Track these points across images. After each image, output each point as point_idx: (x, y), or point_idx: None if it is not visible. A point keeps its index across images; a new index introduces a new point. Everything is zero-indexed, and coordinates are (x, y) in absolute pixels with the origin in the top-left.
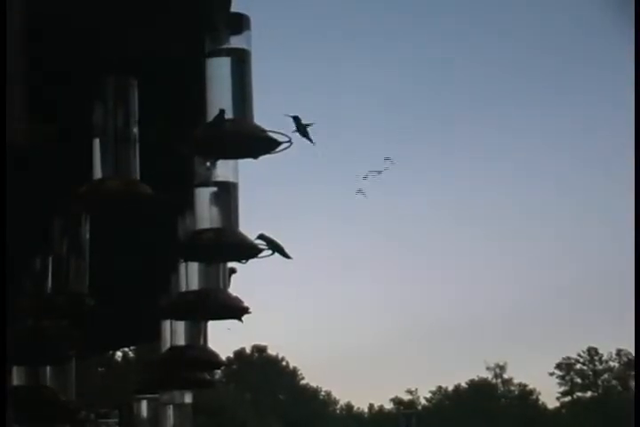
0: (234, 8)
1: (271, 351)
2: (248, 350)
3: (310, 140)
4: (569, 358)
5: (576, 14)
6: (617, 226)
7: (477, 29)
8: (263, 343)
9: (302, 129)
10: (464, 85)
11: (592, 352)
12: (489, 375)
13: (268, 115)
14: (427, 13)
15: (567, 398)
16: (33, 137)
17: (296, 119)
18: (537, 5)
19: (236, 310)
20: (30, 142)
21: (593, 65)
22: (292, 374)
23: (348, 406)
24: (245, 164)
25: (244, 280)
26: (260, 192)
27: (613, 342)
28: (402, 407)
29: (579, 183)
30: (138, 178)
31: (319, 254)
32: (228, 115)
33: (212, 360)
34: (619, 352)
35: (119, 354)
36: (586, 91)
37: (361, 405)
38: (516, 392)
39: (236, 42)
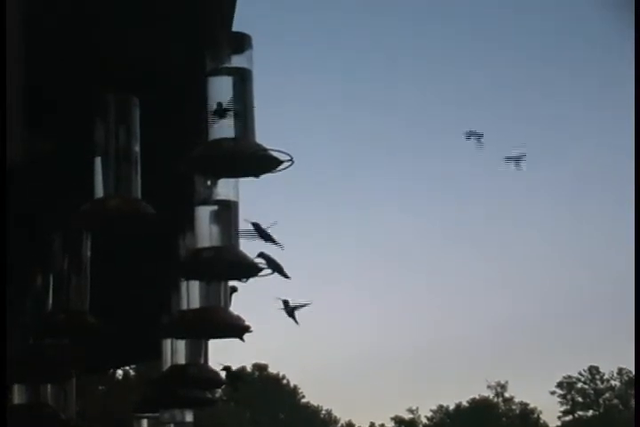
0: (235, 27)
1: (272, 370)
2: (249, 369)
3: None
4: (570, 376)
5: (576, 17)
6: (619, 243)
7: (481, 43)
8: (264, 362)
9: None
10: (459, 98)
11: (593, 371)
12: (490, 394)
13: (269, 133)
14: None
15: (568, 418)
16: (33, 155)
17: (255, 225)
18: (536, 12)
19: (237, 329)
20: (30, 160)
21: (594, 71)
22: (292, 393)
23: (349, 425)
24: (246, 182)
25: (244, 299)
26: (261, 211)
27: (614, 360)
28: (403, 426)
29: (579, 199)
30: (139, 196)
31: (320, 271)
32: (230, 134)
33: (212, 379)
34: (620, 371)
35: (120, 372)
36: (586, 97)
37: (362, 423)
38: (517, 411)
39: (237, 61)
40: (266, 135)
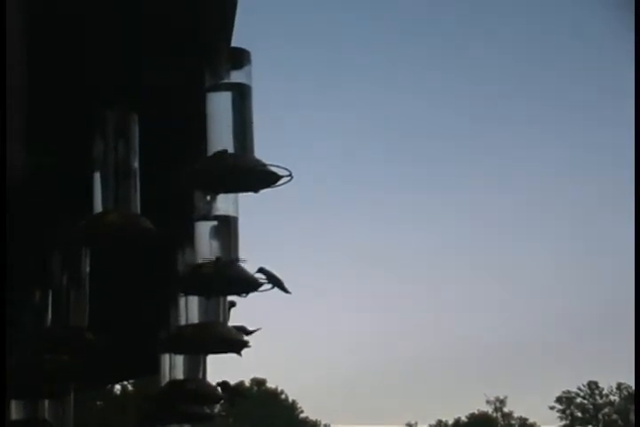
0: (234, 42)
1: (270, 384)
2: (247, 383)
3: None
4: (569, 391)
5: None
6: (620, 258)
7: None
8: (262, 376)
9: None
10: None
11: (592, 386)
12: (489, 409)
13: (268, 149)
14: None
15: None
16: (32, 169)
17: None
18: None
19: (235, 344)
20: (29, 175)
21: (594, 81)
22: (290, 408)
23: None
24: (246, 197)
25: (243, 314)
26: (261, 226)
27: (614, 375)
28: None
29: (580, 210)
30: (138, 212)
31: (319, 286)
32: (229, 149)
33: (211, 394)
34: (619, 386)
35: (118, 387)
36: (586, 107)
37: None
38: (517, 426)
39: (236, 77)
40: (265, 150)
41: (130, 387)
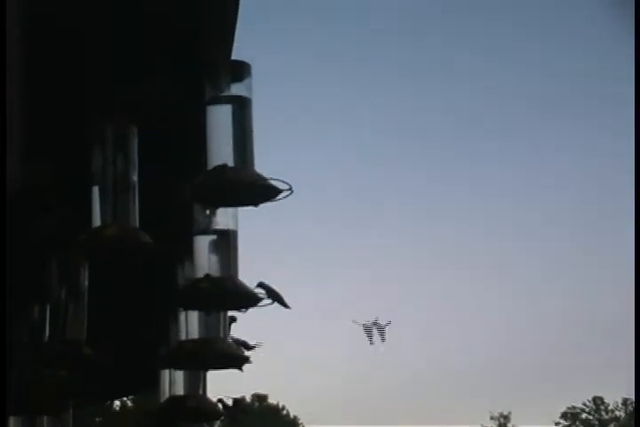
0: (235, 55)
1: (272, 400)
2: (248, 399)
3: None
4: (574, 407)
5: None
6: (624, 272)
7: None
8: (263, 392)
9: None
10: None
11: (598, 402)
12: (493, 425)
13: (268, 162)
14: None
15: None
16: (30, 183)
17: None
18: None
19: (236, 360)
20: (27, 188)
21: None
22: (292, 423)
23: None
24: (246, 211)
25: (244, 329)
26: (260, 240)
27: (619, 391)
28: None
29: (585, 231)
30: (137, 226)
31: (319, 301)
32: (229, 162)
33: (212, 411)
34: (624, 402)
35: (117, 404)
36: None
37: None
38: None
39: (236, 89)
40: (265, 164)
41: (129, 403)
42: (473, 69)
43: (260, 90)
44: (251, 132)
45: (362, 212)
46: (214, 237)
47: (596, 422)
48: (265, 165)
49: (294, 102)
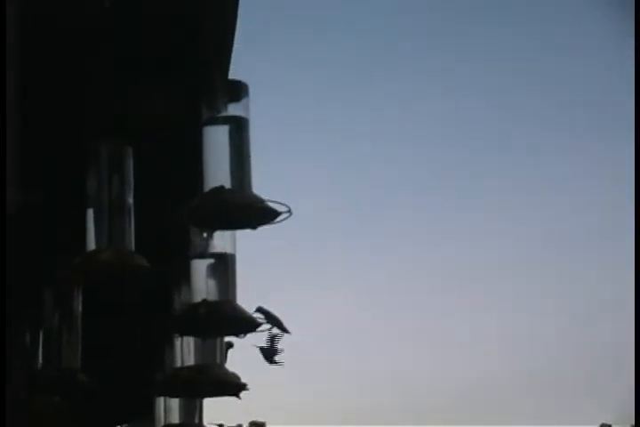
0: (232, 75)
1: None
2: None
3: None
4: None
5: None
6: (622, 293)
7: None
8: (261, 420)
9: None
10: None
11: None
12: None
13: (266, 184)
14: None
15: None
16: (23, 205)
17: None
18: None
19: (232, 387)
20: (20, 211)
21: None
22: None
23: None
24: (244, 234)
25: (241, 355)
26: (259, 263)
27: (628, 418)
28: None
29: (587, 247)
30: (133, 249)
31: (319, 326)
32: (226, 184)
33: None
34: None
35: None
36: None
37: None
38: None
39: (233, 110)
40: (263, 186)
41: None
42: (476, 80)
43: (257, 109)
44: (248, 152)
45: (363, 234)
46: (212, 260)
47: None
48: (263, 186)
49: (293, 122)
